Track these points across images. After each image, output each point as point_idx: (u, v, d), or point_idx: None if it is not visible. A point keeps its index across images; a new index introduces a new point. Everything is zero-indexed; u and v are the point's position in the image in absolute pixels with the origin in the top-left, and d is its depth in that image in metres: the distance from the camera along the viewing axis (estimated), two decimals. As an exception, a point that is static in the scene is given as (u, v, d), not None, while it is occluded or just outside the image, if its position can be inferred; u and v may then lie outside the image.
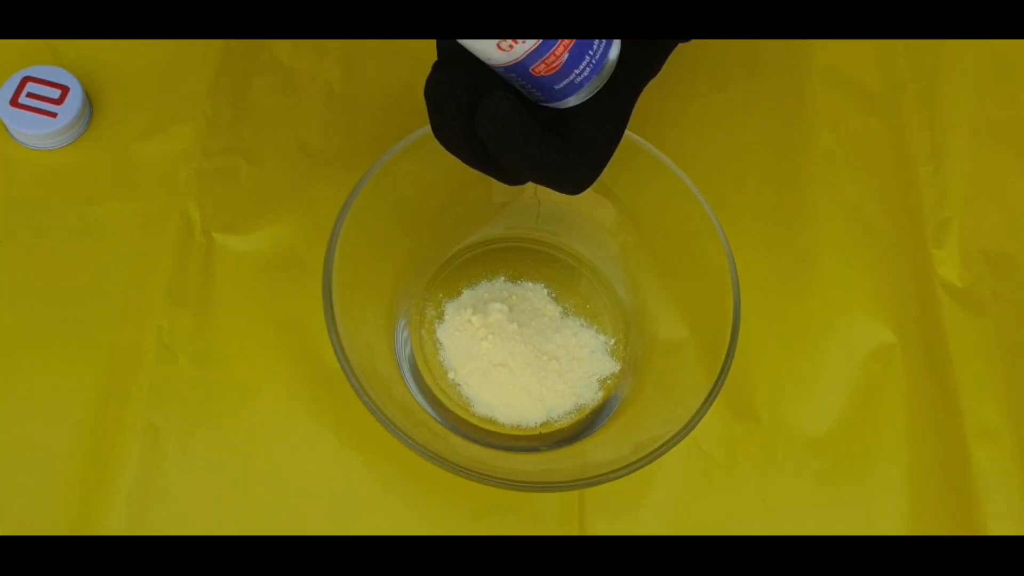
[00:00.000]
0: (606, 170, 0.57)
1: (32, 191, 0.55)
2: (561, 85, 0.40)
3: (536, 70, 0.39)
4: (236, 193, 0.56)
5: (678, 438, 0.46)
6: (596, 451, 0.50)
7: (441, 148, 0.52)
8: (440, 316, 0.54)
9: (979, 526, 0.51)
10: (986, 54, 0.65)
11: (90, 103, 0.58)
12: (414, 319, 0.54)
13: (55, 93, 0.56)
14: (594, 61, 0.40)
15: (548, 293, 0.55)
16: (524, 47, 0.39)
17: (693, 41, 0.63)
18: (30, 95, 0.56)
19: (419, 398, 0.52)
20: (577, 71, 0.40)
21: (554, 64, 0.39)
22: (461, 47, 0.39)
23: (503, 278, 0.56)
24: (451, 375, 0.53)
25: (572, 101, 0.41)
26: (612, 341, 0.54)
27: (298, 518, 0.49)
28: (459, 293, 0.55)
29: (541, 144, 0.39)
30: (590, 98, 0.41)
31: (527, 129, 0.38)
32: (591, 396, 0.53)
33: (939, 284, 0.57)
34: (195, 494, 0.49)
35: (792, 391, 0.54)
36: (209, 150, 0.57)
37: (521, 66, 0.39)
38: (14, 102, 0.56)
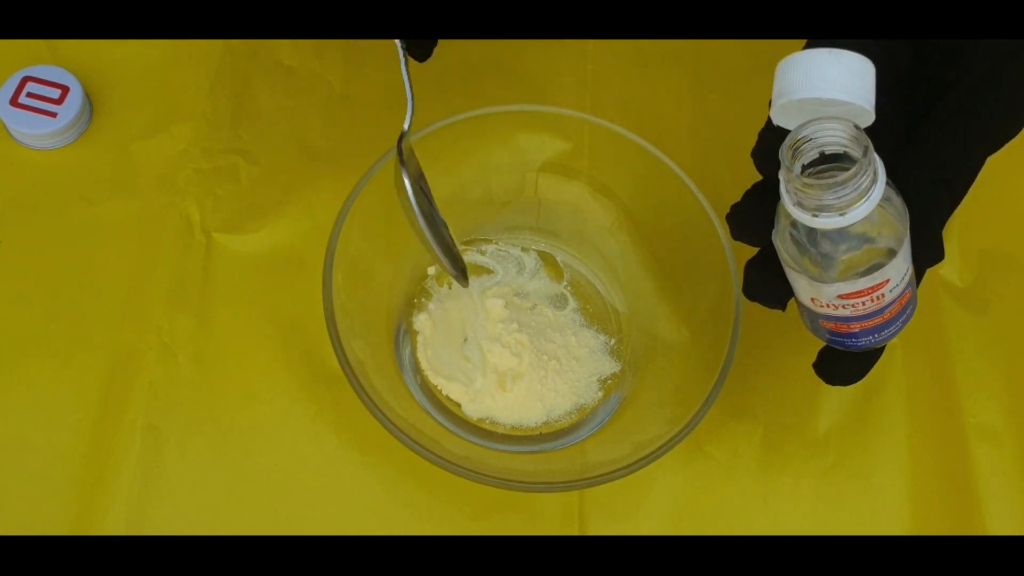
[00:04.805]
0: (606, 170, 0.57)
1: (32, 191, 0.55)
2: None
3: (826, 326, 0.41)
4: (236, 193, 0.56)
5: (678, 438, 0.46)
6: (596, 451, 0.50)
7: (440, 147, 0.53)
8: (440, 316, 0.54)
9: (979, 526, 0.51)
10: (986, 54, 0.64)
11: (90, 103, 0.58)
12: (414, 319, 0.54)
13: (55, 93, 0.56)
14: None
15: (548, 293, 0.55)
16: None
17: (693, 41, 0.63)
18: (30, 95, 0.56)
19: (419, 398, 0.52)
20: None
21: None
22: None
23: (503, 277, 0.55)
24: (451, 375, 0.53)
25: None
26: (612, 341, 0.54)
27: (298, 518, 0.49)
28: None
29: None
30: None
31: None
32: (591, 396, 0.53)
33: (939, 284, 0.57)
34: (195, 494, 0.49)
35: (792, 391, 0.54)
36: (209, 150, 0.57)
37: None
38: (14, 102, 0.56)
